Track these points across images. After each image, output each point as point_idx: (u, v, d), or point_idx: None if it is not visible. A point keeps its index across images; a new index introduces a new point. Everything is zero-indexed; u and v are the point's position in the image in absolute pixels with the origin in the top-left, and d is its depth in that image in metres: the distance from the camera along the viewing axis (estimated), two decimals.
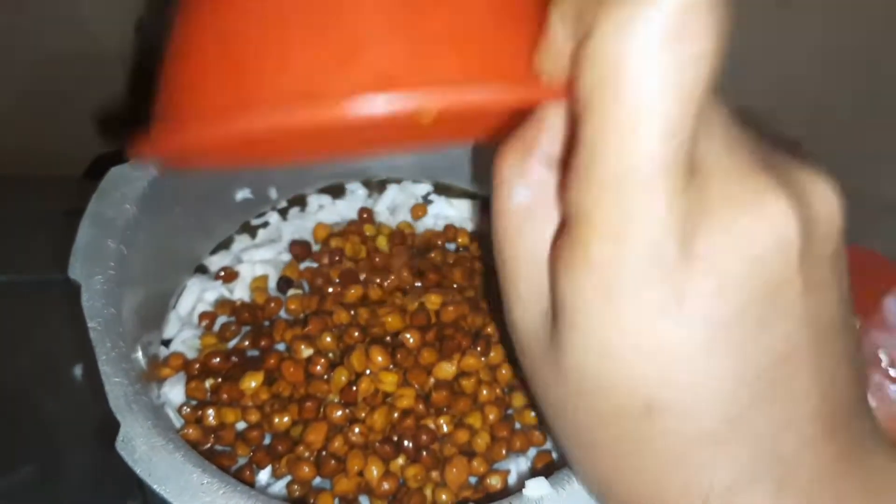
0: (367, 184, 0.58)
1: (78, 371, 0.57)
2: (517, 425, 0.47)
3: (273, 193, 0.54)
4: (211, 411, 0.45)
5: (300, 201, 0.56)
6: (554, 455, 0.46)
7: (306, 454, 0.44)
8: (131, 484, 0.53)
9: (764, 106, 0.69)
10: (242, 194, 0.52)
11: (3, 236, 0.61)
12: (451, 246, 0.55)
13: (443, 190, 0.58)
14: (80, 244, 0.40)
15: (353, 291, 0.49)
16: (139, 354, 0.41)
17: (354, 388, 0.45)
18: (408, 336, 0.46)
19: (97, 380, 0.56)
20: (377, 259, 0.52)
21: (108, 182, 0.42)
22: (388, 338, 0.47)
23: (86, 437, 0.55)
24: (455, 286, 0.51)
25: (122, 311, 0.39)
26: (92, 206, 0.41)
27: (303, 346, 0.46)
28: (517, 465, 0.45)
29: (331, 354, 0.47)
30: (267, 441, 0.45)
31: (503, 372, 0.47)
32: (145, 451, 0.34)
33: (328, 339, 0.46)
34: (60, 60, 0.64)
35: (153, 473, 0.34)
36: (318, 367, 0.46)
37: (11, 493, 0.52)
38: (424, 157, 0.55)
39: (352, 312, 0.48)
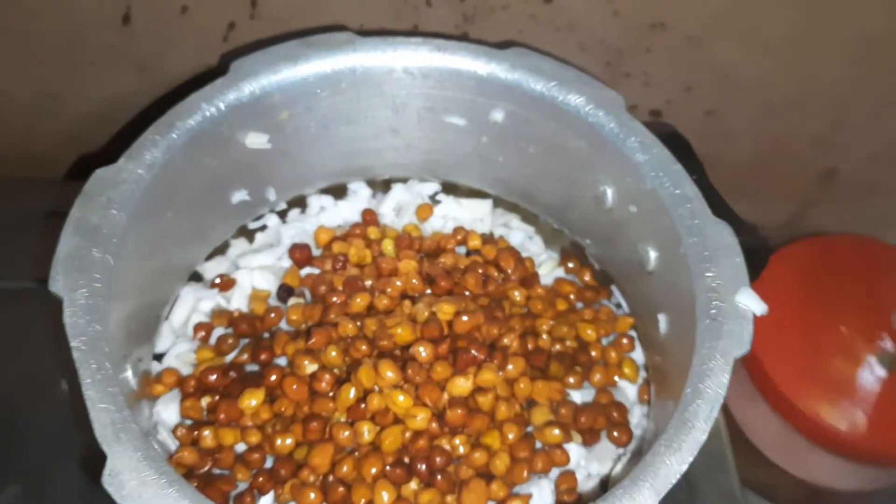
0: (370, 183, 0.54)
1: (66, 386, 0.54)
2: (538, 444, 0.43)
3: (272, 195, 0.50)
4: (208, 432, 0.42)
5: (300, 202, 0.53)
6: (578, 476, 0.43)
7: (311, 479, 0.41)
8: None
9: (789, 98, 0.66)
10: (239, 196, 0.48)
11: None
12: (461, 249, 0.52)
13: (450, 189, 0.55)
14: (62, 254, 0.36)
15: (358, 301, 0.46)
16: (129, 374, 0.38)
17: (363, 405, 0.41)
18: (420, 349, 0.42)
19: (82, 401, 0.53)
20: (383, 265, 0.48)
21: (92, 185, 0.39)
22: (397, 351, 0.44)
23: (74, 457, 0.51)
24: (467, 293, 0.48)
25: (109, 326, 0.35)
26: (75, 211, 0.38)
27: (306, 362, 0.42)
28: (539, 488, 0.41)
29: (336, 370, 0.43)
30: (269, 464, 0.42)
31: (521, 386, 0.44)
32: (135, 486, 0.31)
33: (333, 353, 0.43)
34: (44, 56, 0.61)
35: None
36: (324, 384, 0.42)
37: None
38: (431, 153, 0.52)
39: (358, 324, 0.44)
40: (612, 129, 0.44)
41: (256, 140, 0.46)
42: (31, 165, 0.67)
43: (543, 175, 0.49)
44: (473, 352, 0.43)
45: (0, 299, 0.56)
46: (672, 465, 0.33)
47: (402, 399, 0.41)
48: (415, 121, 0.49)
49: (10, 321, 0.55)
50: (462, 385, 0.42)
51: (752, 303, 0.37)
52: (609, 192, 0.46)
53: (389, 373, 0.41)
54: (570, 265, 0.52)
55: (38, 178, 0.66)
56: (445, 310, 0.44)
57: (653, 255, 0.44)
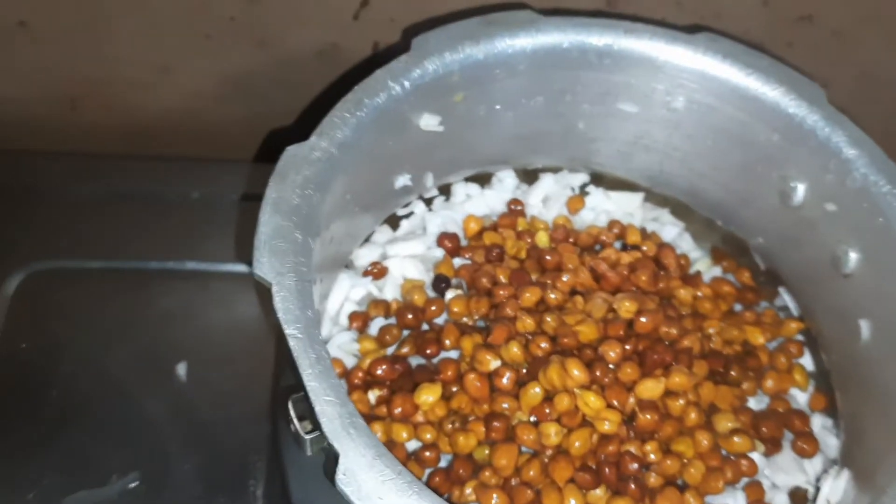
0: (517, 172, 0.52)
1: (181, 370, 0.52)
2: (723, 452, 0.41)
3: (429, 181, 0.48)
4: (378, 427, 0.40)
5: (444, 190, 0.50)
6: (764, 484, 0.41)
7: (493, 480, 0.38)
8: (248, 500, 0.48)
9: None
10: (402, 181, 0.46)
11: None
12: (618, 245, 0.49)
13: (596, 180, 0.52)
14: (265, 236, 0.34)
15: (528, 295, 0.43)
16: None
17: (548, 409, 0.39)
18: (609, 350, 0.40)
19: (203, 382, 0.51)
20: (548, 257, 0.46)
21: (285, 164, 0.36)
22: (575, 350, 0.41)
23: (190, 444, 0.49)
24: (635, 290, 0.45)
25: (318, 314, 0.33)
26: (271, 191, 0.35)
27: (489, 357, 0.40)
28: (735, 500, 0.39)
29: (516, 367, 0.41)
30: (441, 464, 0.40)
31: (705, 391, 0.42)
32: (373, 487, 0.28)
33: (515, 349, 0.40)
34: (157, 27, 0.58)
35: None
36: (505, 381, 0.40)
37: None
38: (592, 142, 0.49)
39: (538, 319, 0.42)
40: (816, 121, 0.41)
41: (430, 122, 0.43)
42: (139, 143, 0.65)
43: (718, 169, 0.47)
44: (662, 353, 0.41)
45: (101, 280, 0.54)
46: None
47: (593, 400, 0.39)
48: (585, 105, 0.47)
49: (119, 302, 0.53)
50: (653, 388, 0.40)
51: None
52: (800, 189, 0.43)
53: (577, 371, 0.39)
54: (725, 264, 0.50)
55: (141, 156, 0.65)
56: (628, 307, 0.42)
57: (853, 256, 0.41)
